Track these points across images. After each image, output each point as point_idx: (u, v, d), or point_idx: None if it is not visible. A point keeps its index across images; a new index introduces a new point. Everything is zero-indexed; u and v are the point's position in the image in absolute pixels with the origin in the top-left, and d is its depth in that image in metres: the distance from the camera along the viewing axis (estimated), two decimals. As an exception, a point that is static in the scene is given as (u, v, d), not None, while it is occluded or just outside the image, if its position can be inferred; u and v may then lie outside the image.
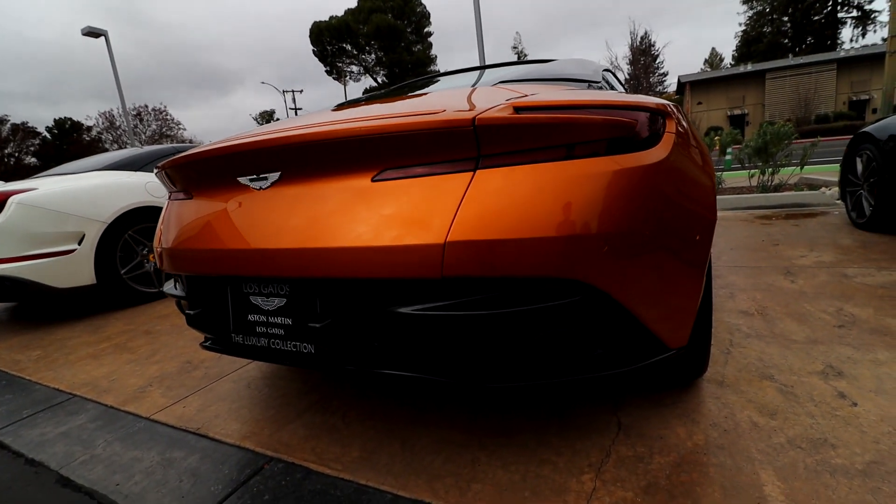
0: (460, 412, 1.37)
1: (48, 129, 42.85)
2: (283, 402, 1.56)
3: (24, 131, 40.45)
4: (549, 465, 1.09)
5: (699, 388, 1.39)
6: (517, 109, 0.88)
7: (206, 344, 1.25)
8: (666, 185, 0.95)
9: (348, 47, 39.55)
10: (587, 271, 0.84)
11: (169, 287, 1.39)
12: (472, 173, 0.86)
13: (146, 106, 40.56)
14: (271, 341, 1.07)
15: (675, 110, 1.09)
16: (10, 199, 2.80)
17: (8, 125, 39.39)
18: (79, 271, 2.95)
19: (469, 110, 0.87)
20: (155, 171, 1.31)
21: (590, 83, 1.53)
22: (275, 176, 1.00)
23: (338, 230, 0.92)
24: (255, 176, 1.02)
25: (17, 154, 40.13)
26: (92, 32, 13.62)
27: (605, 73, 1.99)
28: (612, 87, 1.96)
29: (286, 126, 1.06)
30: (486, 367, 0.94)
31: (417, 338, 0.93)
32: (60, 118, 43.23)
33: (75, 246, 2.93)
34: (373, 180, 0.92)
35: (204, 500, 1.11)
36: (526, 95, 1.03)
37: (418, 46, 40.34)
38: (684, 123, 1.12)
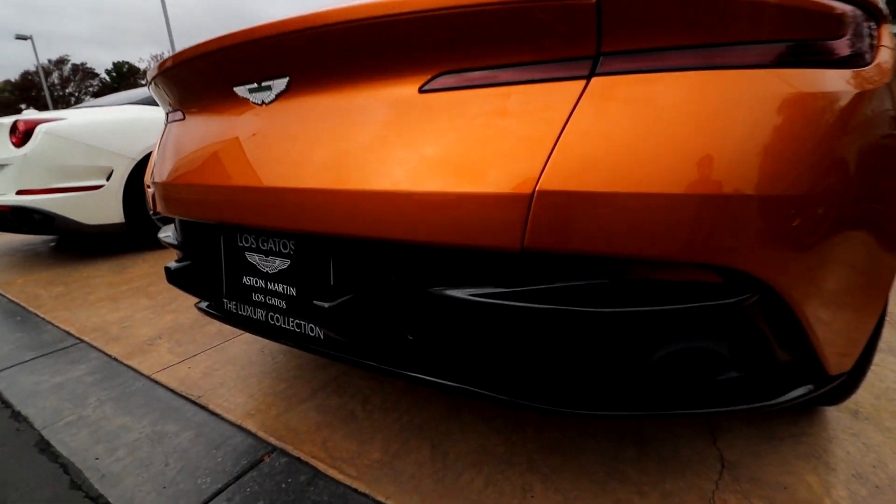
0: (500, 412, 1.11)
1: (107, 72, 44.38)
2: (297, 374, 1.35)
3: (83, 72, 42.01)
4: (630, 511, 0.81)
5: (824, 416, 1.05)
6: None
7: (201, 306, 1.01)
8: (880, 128, 0.59)
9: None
10: (759, 258, 0.51)
11: (165, 233, 1.15)
12: (584, 82, 0.53)
13: (195, 51, 41.10)
14: (269, 314, 0.81)
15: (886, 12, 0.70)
16: (38, 129, 2.68)
17: (69, 65, 40.93)
18: (107, 208, 2.85)
19: None
20: (148, 86, 1.05)
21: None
22: (281, 84, 0.70)
23: (363, 165, 0.62)
24: (255, 84, 0.73)
25: (76, 94, 41.92)
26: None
27: None
28: None
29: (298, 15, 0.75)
30: (568, 385, 0.64)
31: (472, 335, 0.64)
32: (119, 62, 44.55)
33: (103, 182, 2.82)
34: (420, 90, 0.61)
35: (187, 494, 0.91)
36: None
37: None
38: None
